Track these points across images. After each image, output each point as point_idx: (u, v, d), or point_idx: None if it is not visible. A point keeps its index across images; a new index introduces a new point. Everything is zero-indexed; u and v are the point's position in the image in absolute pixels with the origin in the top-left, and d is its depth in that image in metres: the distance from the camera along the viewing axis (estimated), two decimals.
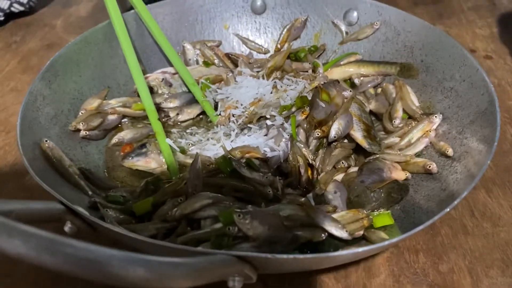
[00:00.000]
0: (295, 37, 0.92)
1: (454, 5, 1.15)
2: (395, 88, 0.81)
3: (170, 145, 0.71)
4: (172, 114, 0.79)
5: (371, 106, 0.80)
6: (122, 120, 0.80)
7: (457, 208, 0.67)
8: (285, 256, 0.42)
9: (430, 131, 0.72)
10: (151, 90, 0.79)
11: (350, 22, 0.87)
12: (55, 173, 0.63)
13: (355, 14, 0.87)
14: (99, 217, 0.56)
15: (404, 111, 0.77)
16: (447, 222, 0.65)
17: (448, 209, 0.51)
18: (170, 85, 0.80)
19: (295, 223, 0.55)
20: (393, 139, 0.74)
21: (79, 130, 0.73)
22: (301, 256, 0.44)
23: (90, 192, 0.64)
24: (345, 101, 0.74)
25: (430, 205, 0.62)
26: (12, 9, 1.15)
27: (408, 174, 0.69)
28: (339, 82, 0.81)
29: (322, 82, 0.77)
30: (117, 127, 0.80)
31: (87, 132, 0.73)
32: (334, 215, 0.60)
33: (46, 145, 0.64)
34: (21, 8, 1.16)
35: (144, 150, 0.69)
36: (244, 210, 0.51)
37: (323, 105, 0.69)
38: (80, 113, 0.74)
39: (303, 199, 0.63)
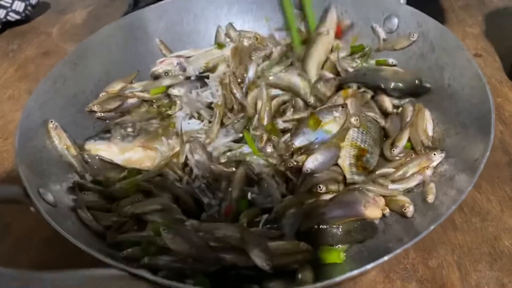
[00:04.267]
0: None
1: (445, 4, 1.16)
2: (414, 111, 0.73)
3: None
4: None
5: (386, 125, 0.75)
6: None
7: None
8: None
9: (427, 168, 0.65)
10: (166, 74, 0.80)
11: (390, 29, 0.83)
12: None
13: (395, 21, 0.82)
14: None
15: (410, 139, 0.70)
16: None
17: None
18: (184, 70, 0.80)
19: (225, 245, 0.54)
20: (388, 169, 0.67)
21: (95, 112, 0.74)
22: None
23: (80, 173, 0.64)
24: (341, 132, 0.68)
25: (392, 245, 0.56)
26: (9, 17, 1.17)
27: (387, 211, 0.63)
28: (346, 106, 0.70)
29: None
30: None
31: (103, 114, 0.73)
32: (274, 243, 0.55)
33: (50, 125, 0.65)
34: (17, 17, 1.18)
35: (107, 135, 0.67)
36: (170, 227, 0.53)
37: (305, 132, 0.64)
38: (101, 95, 0.76)
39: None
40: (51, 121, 0.65)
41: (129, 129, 0.66)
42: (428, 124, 0.71)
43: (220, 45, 0.85)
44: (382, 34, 0.83)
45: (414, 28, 0.79)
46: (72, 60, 0.73)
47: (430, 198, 0.60)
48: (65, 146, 0.64)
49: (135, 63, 0.83)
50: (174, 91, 0.76)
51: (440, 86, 0.72)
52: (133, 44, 0.83)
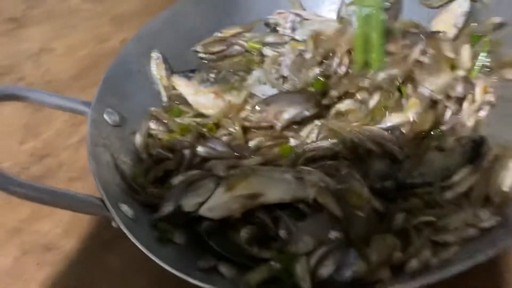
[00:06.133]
0: None
1: None
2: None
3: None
4: None
5: None
6: None
7: None
8: None
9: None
10: (274, 29, 0.73)
11: None
12: None
13: None
14: None
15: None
16: None
17: None
18: (294, 30, 0.72)
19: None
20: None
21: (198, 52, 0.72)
22: None
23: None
24: None
25: None
26: None
27: None
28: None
29: None
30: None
31: (204, 55, 0.71)
32: None
33: (153, 54, 0.63)
34: None
35: (191, 75, 0.65)
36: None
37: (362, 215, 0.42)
38: (212, 36, 0.72)
39: None
40: (155, 51, 0.65)
41: (212, 75, 0.66)
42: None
43: (342, 20, 0.70)
44: None
45: None
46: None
47: None
48: (159, 76, 0.64)
49: (261, 11, 0.74)
50: (266, 51, 0.69)
51: None
52: None
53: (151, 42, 0.63)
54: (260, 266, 0.39)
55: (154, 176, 0.50)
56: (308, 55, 0.58)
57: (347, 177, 0.43)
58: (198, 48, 0.69)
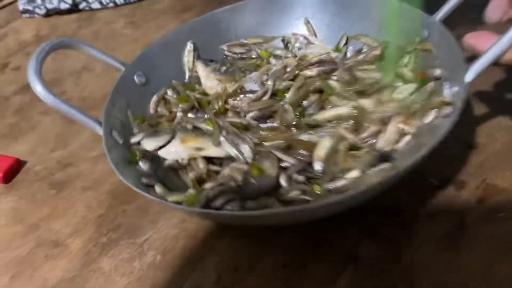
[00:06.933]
0: None
1: None
2: None
3: None
4: None
5: None
6: None
7: None
8: None
9: None
10: (286, 45, 0.83)
11: None
12: None
13: None
14: None
15: None
16: None
17: None
18: (300, 48, 0.82)
19: None
20: None
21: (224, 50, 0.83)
22: None
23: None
24: None
25: None
26: None
27: None
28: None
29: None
30: None
31: (227, 53, 0.81)
32: None
33: (188, 46, 0.77)
34: None
35: (210, 63, 0.78)
36: None
37: (254, 182, 0.56)
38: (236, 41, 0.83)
39: None
40: (190, 42, 0.78)
41: (224, 68, 0.78)
42: None
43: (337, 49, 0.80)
44: None
45: None
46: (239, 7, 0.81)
47: None
48: (188, 60, 0.78)
49: (281, 29, 0.83)
50: (272, 61, 0.79)
51: None
52: (284, 13, 0.83)
53: (188, 35, 0.77)
54: (181, 192, 0.56)
55: (148, 124, 0.66)
56: (288, 69, 0.72)
57: (264, 156, 0.57)
58: (224, 47, 0.82)
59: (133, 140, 0.61)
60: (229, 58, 0.81)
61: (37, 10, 1.12)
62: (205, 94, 0.73)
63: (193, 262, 0.54)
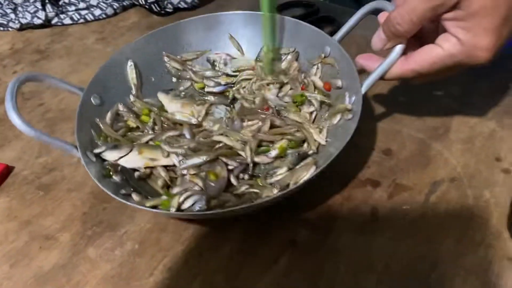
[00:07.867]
0: None
1: None
2: None
3: None
4: None
5: None
6: None
7: None
8: None
9: None
10: (213, 64, 0.92)
11: None
12: None
13: None
14: None
15: None
16: None
17: None
18: (226, 64, 0.93)
19: None
20: None
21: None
22: None
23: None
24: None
25: None
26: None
27: None
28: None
29: None
30: None
31: (168, 67, 0.90)
32: None
33: (165, 57, 0.88)
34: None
35: (169, 91, 0.88)
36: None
37: (213, 184, 0.68)
38: (179, 56, 0.91)
39: None
40: (130, 60, 0.83)
41: (182, 92, 0.89)
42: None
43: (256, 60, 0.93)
44: None
45: None
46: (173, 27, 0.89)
47: None
48: (132, 77, 0.84)
49: (212, 44, 0.92)
50: (208, 83, 0.89)
51: None
52: (214, 32, 0.92)
53: (129, 55, 0.84)
54: (155, 197, 0.68)
55: (108, 138, 0.75)
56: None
57: (214, 164, 0.70)
58: (166, 58, 0.89)
59: (96, 151, 0.70)
60: (169, 71, 0.89)
61: (10, 24, 1.19)
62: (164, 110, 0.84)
63: (165, 249, 0.64)
